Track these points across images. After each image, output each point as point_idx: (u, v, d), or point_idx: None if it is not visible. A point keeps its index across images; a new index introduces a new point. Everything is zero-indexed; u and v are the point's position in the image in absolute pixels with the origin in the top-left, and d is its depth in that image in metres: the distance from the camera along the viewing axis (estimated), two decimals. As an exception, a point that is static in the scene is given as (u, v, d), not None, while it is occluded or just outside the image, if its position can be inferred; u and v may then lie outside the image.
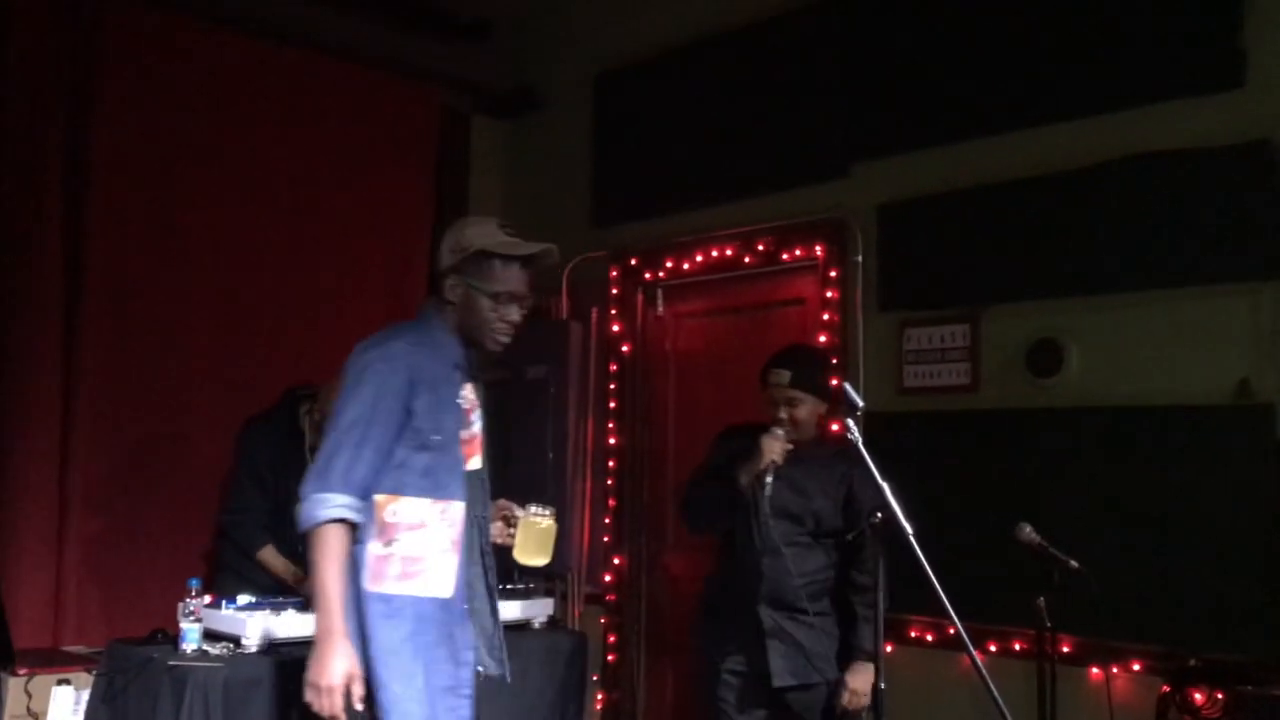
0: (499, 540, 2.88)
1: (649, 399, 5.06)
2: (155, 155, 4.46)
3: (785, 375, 3.45)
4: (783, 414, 3.44)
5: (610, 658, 4.92)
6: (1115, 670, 3.44)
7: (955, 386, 3.91)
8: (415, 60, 5.28)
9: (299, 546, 3.91)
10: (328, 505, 2.44)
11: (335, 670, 2.39)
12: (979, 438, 3.84)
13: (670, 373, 5.04)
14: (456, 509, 2.62)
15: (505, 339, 2.69)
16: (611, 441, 5.05)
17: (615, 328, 5.11)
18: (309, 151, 4.92)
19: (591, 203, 5.28)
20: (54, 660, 3.71)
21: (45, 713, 3.48)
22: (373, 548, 2.52)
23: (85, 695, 3.32)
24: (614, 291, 5.12)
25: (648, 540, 5.00)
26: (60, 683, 3.51)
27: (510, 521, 2.89)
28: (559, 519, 2.93)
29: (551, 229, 5.36)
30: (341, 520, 2.45)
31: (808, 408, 3.47)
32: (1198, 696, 3.24)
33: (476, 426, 2.72)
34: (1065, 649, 3.41)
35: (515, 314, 2.67)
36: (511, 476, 5.25)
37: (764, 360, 3.56)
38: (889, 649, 3.92)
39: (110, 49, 4.33)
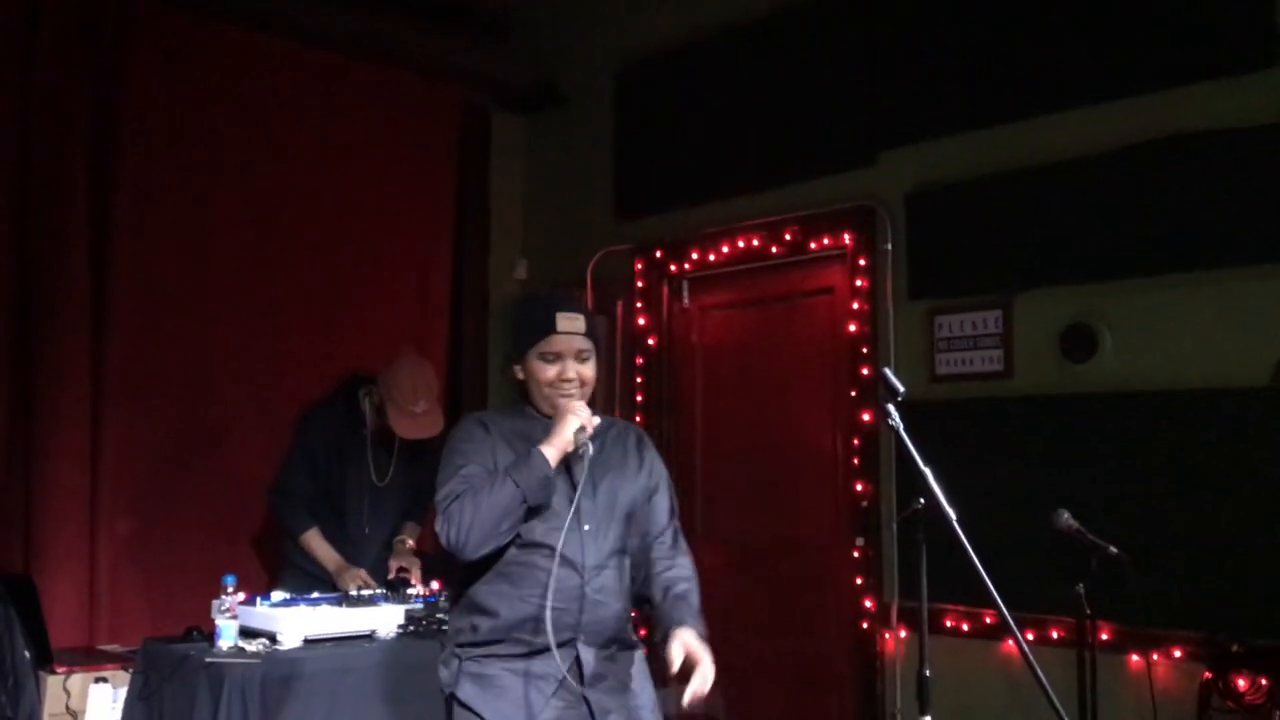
0: None
1: (675, 391, 5.04)
2: (181, 157, 4.49)
3: (581, 321, 2.45)
4: (571, 373, 2.43)
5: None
6: (1156, 657, 3.41)
7: (988, 373, 3.87)
8: (436, 58, 5.27)
9: (351, 532, 3.93)
10: None
11: None
12: (1014, 425, 3.80)
13: (696, 365, 5.01)
14: None
15: None
16: (639, 434, 5.02)
17: (641, 321, 5.09)
18: (332, 149, 4.93)
19: (615, 195, 5.26)
20: (90, 659, 3.73)
21: (84, 711, 3.50)
22: None
23: (122, 693, 3.33)
24: (639, 284, 5.09)
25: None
26: (98, 681, 3.53)
27: None
28: None
29: (574, 222, 5.45)
30: None
31: (593, 364, 2.49)
32: (1241, 682, 3.21)
33: None
34: (1105, 637, 3.38)
35: None
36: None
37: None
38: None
39: (137, 52, 4.35)
